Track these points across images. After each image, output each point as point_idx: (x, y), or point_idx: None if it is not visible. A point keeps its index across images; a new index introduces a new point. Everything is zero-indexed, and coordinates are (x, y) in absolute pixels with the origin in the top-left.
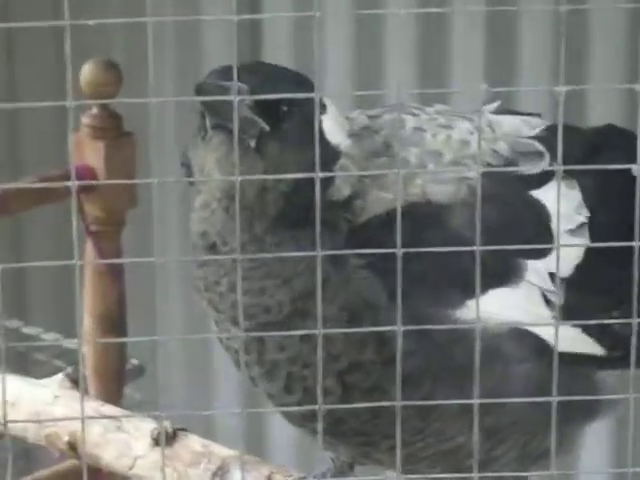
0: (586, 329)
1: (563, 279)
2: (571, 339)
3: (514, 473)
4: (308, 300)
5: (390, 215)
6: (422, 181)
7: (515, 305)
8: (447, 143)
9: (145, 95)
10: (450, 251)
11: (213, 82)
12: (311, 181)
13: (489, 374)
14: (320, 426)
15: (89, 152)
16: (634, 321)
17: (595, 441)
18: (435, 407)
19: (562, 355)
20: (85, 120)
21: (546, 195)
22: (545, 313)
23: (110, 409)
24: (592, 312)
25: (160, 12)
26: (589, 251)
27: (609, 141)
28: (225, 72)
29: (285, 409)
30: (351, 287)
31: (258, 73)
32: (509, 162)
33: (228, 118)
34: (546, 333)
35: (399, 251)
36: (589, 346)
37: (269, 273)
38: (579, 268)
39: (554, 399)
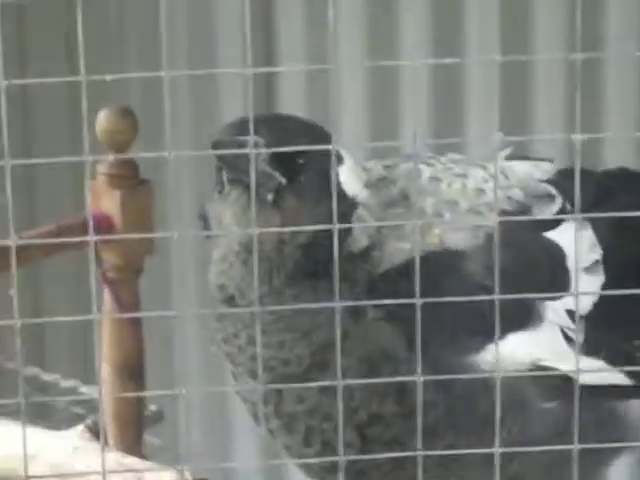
0: (611, 361)
1: (582, 316)
2: (597, 371)
3: None
4: (327, 352)
5: (408, 265)
6: (440, 230)
7: (537, 345)
8: (463, 192)
9: (161, 143)
10: (476, 299)
11: (230, 138)
12: (329, 233)
13: (514, 418)
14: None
15: (106, 200)
16: None
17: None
18: (457, 458)
19: (589, 388)
20: (101, 168)
21: (561, 236)
22: (567, 350)
23: (131, 460)
24: (615, 344)
25: (174, 61)
26: (605, 287)
27: (622, 184)
28: (241, 126)
29: (304, 461)
30: (370, 339)
31: (274, 126)
32: (523, 207)
33: (245, 172)
34: (570, 370)
35: (418, 301)
36: (614, 377)
37: (288, 326)
38: (597, 305)
39: (575, 447)
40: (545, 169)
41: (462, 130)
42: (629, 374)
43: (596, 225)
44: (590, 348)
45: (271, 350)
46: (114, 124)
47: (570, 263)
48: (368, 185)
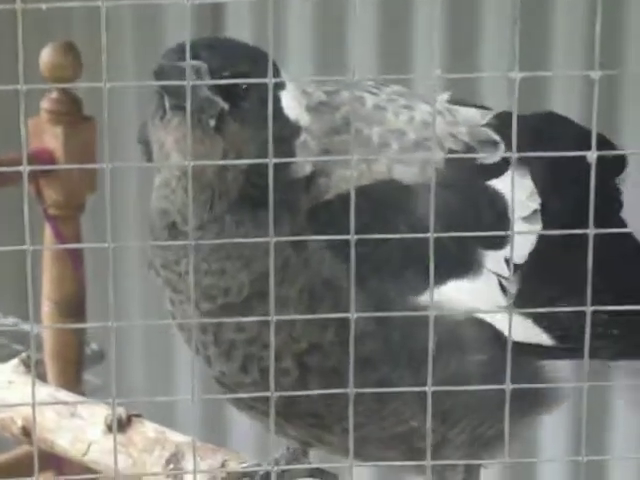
0: (536, 319)
1: (518, 266)
2: (522, 328)
3: (468, 461)
4: (267, 281)
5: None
6: (388, 160)
7: (475, 294)
8: (410, 123)
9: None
10: (412, 237)
11: (170, 63)
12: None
13: (446, 360)
14: (272, 412)
15: (48, 136)
16: (588, 309)
17: (556, 431)
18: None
19: (517, 344)
20: (44, 104)
21: (503, 184)
22: (502, 302)
23: (65, 395)
24: (544, 302)
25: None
26: (542, 238)
27: (551, 129)
28: (181, 50)
29: (236, 396)
30: (311, 268)
31: (215, 49)
32: (468, 148)
33: (186, 99)
34: (500, 322)
35: (352, 237)
36: (537, 336)
37: (229, 254)
38: (532, 255)
39: (508, 387)
40: (483, 113)
41: (409, 67)
42: (553, 335)
43: (534, 173)
44: (521, 303)
45: (212, 278)
46: (58, 59)
47: (512, 213)
48: (309, 109)
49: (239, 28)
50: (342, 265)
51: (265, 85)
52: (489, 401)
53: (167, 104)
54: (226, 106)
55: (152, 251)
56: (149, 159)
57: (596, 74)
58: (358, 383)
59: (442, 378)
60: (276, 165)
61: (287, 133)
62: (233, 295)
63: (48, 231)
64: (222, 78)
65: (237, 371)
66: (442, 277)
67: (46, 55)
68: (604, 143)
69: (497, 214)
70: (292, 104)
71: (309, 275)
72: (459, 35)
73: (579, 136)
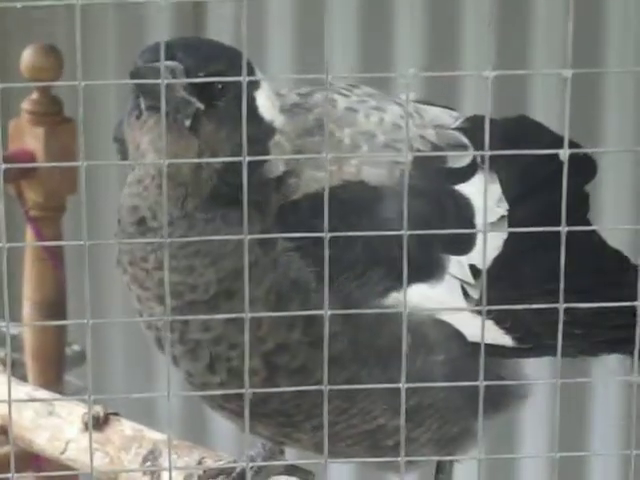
0: (498, 321)
1: (481, 271)
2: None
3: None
4: (235, 281)
5: (321, 195)
6: (357, 161)
7: (437, 298)
8: (380, 125)
9: (88, 79)
10: (380, 239)
11: (146, 65)
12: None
13: (412, 359)
14: (246, 412)
15: (29, 138)
16: (561, 307)
17: (536, 428)
18: (360, 389)
19: (473, 345)
20: (25, 105)
21: (471, 189)
22: (463, 306)
23: (43, 394)
24: (507, 304)
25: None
26: (507, 244)
27: (523, 133)
28: (157, 50)
29: (210, 393)
30: (279, 269)
31: (190, 50)
32: (436, 150)
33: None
34: (461, 324)
35: (326, 235)
36: (499, 337)
37: (197, 251)
38: (497, 260)
39: (481, 383)
40: (454, 116)
41: (389, 67)
42: (514, 336)
43: (503, 179)
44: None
45: (179, 275)
46: (39, 61)
47: (478, 219)
48: (283, 111)
49: (221, 27)
50: (310, 266)
51: (240, 84)
52: (452, 400)
53: (143, 104)
54: (202, 106)
55: (120, 248)
56: (124, 157)
57: (568, 72)
58: (327, 382)
59: (407, 377)
60: (250, 164)
61: (262, 133)
62: (200, 292)
63: (29, 232)
64: (197, 78)
65: (204, 371)
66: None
67: (27, 56)
68: (575, 148)
69: (463, 219)
70: (266, 104)
71: (277, 275)
72: (439, 36)
73: (551, 141)
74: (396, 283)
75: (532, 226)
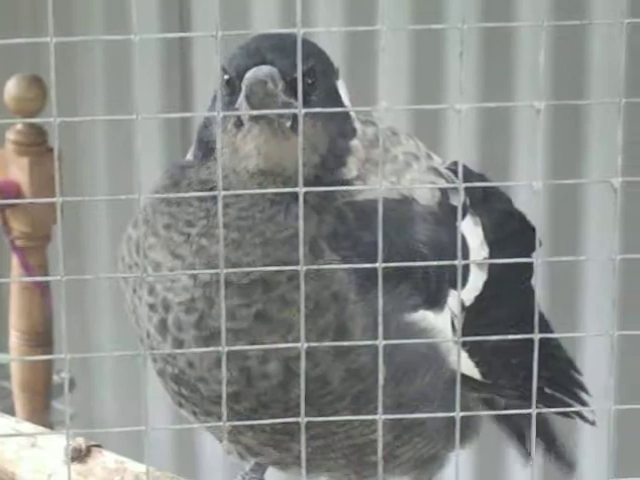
0: (471, 354)
1: (465, 307)
2: (462, 360)
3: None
4: (277, 272)
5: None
6: (411, 178)
7: (440, 326)
8: (418, 149)
9: (74, 109)
10: (413, 255)
11: (258, 82)
12: (335, 156)
13: (422, 376)
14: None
15: (14, 168)
16: (536, 337)
17: None
18: (372, 400)
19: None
20: (10, 136)
21: (465, 228)
22: (451, 336)
23: (27, 426)
24: (480, 342)
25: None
26: (486, 285)
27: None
28: (250, 55)
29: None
30: (322, 280)
31: (279, 50)
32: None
33: (267, 108)
34: (447, 352)
35: (380, 265)
36: (470, 369)
37: (251, 227)
38: (477, 299)
39: (457, 414)
40: (438, 161)
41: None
42: (480, 370)
43: (483, 224)
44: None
45: (225, 247)
46: (23, 91)
47: (471, 256)
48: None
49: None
50: (350, 277)
51: (328, 77)
52: (434, 424)
53: (247, 115)
54: (302, 107)
55: (155, 208)
56: (205, 155)
57: (540, 104)
58: (339, 391)
59: (415, 392)
60: (335, 162)
61: (349, 129)
62: (240, 274)
63: (15, 261)
64: (292, 78)
65: (211, 364)
66: (413, 307)
67: (11, 87)
68: (523, 220)
69: (465, 254)
70: (346, 95)
71: (318, 285)
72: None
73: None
74: (424, 301)
75: (502, 274)
